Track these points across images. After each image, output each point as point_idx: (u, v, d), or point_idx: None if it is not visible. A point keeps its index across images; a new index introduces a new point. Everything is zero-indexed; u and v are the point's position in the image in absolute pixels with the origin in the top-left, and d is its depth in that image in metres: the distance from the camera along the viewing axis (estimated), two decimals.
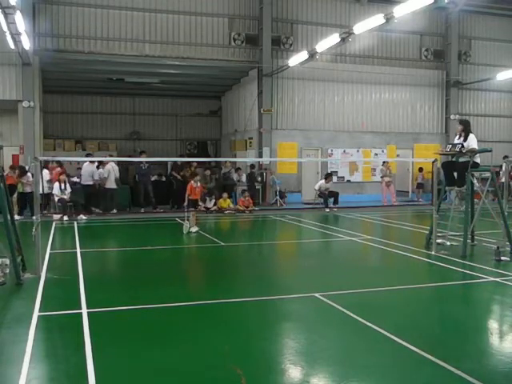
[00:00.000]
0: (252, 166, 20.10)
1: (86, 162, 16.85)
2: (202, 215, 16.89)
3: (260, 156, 20.28)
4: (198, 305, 6.66)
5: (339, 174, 21.97)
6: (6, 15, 12.91)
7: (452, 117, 23.45)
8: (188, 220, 13.04)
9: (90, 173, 16.62)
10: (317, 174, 21.38)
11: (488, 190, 11.89)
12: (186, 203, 14.58)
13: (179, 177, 18.88)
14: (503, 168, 17.60)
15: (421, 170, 22.26)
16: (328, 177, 19.17)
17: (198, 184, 13.53)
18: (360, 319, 5.93)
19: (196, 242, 12.27)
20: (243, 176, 20.32)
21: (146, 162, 17.86)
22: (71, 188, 16.26)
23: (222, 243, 11.71)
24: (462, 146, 9.81)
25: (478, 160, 9.94)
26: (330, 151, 21.79)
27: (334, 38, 16.37)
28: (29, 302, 6.59)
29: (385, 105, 22.87)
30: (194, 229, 12.99)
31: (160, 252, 10.99)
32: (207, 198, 17.45)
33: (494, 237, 10.89)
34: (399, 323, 5.93)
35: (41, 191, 15.46)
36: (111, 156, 18.57)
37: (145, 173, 17.92)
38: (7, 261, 7.44)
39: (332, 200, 18.69)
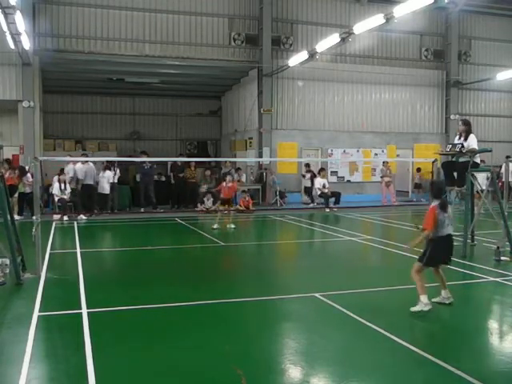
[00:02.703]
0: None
1: (78, 162, 16.70)
2: (200, 215, 16.94)
3: (260, 156, 20.27)
4: (198, 305, 6.66)
5: (339, 174, 21.98)
6: (6, 15, 12.90)
7: (452, 117, 23.44)
8: (219, 218, 14.09)
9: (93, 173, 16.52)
10: (318, 173, 21.35)
11: (488, 190, 11.88)
12: (218, 202, 15.17)
13: (172, 180, 18.94)
14: (503, 168, 17.55)
15: (418, 170, 22.23)
16: (320, 171, 19.22)
17: (230, 184, 14.18)
18: (360, 319, 5.94)
19: (196, 241, 12.28)
20: (243, 176, 20.31)
21: (149, 162, 17.87)
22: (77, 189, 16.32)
23: (222, 243, 11.70)
24: (462, 146, 9.81)
25: (478, 160, 9.94)
26: (329, 151, 21.79)
27: (333, 38, 16.36)
28: (29, 302, 6.60)
29: (385, 105, 22.86)
30: (232, 225, 13.95)
31: (160, 252, 11.01)
32: (205, 199, 17.60)
33: (494, 237, 10.88)
34: (399, 323, 5.93)
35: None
36: (86, 156, 18.39)
37: (147, 172, 17.93)
38: (7, 261, 7.44)
39: (333, 200, 18.69)
